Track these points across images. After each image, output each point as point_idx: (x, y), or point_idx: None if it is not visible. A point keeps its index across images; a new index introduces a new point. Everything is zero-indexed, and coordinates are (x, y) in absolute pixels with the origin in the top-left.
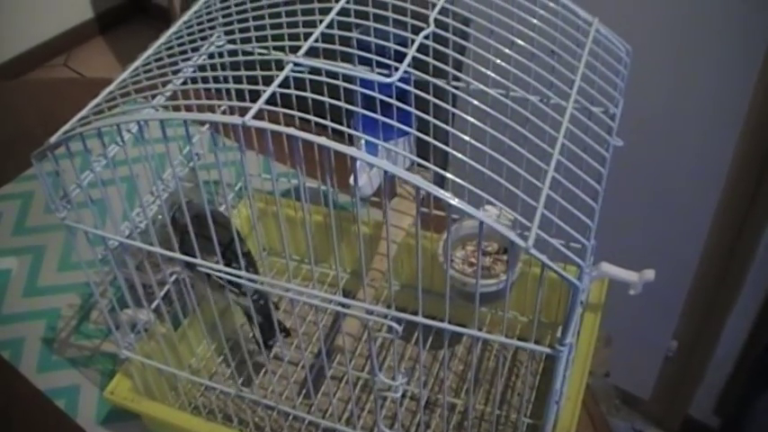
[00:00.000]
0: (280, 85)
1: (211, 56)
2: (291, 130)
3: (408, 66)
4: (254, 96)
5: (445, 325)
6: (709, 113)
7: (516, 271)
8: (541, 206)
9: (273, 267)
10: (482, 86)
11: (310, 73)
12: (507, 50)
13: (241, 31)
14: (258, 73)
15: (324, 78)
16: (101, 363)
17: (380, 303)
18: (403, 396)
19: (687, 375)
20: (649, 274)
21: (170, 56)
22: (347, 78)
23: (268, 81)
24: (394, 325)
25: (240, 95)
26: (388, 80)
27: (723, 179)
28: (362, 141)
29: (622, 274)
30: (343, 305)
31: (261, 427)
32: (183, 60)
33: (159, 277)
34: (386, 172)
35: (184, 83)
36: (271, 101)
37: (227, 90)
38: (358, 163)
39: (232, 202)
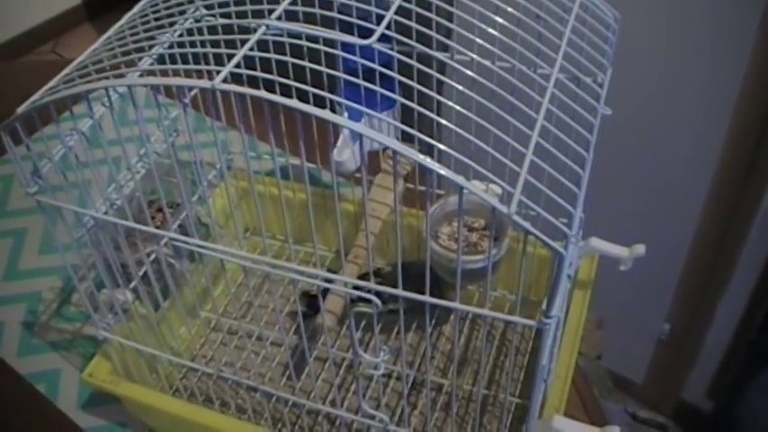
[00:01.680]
0: (256, 51)
1: (190, 31)
2: (260, 93)
3: (389, 29)
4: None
5: (426, 298)
6: (703, 89)
7: (503, 246)
8: (525, 171)
9: (257, 247)
10: (468, 52)
11: (289, 37)
12: (493, 16)
13: (220, 5)
14: (235, 37)
15: (303, 42)
16: (82, 346)
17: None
18: (389, 376)
19: (680, 359)
20: (639, 248)
21: (146, 29)
22: (328, 44)
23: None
24: (374, 299)
25: (219, 63)
26: (366, 42)
27: (716, 160)
28: (345, 113)
29: (612, 249)
30: (327, 281)
31: (243, 408)
32: (160, 32)
33: (137, 256)
34: (361, 137)
35: (161, 55)
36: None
37: (206, 57)
38: (341, 138)
39: (215, 182)
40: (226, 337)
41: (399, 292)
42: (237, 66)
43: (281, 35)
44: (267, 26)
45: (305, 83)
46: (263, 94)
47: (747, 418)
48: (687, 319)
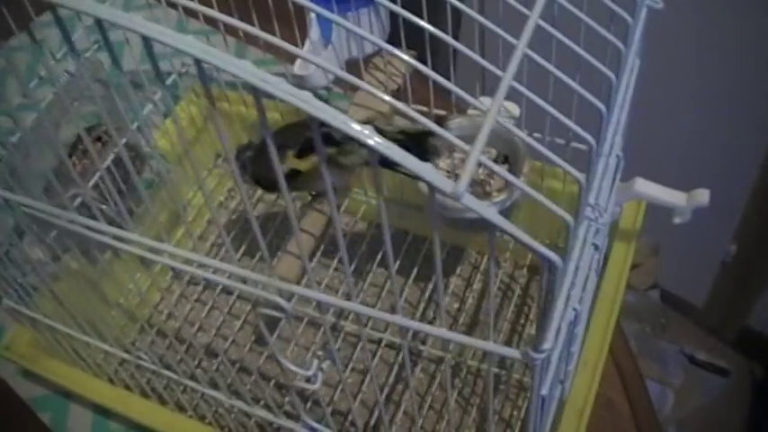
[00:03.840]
0: None
1: None
2: None
3: None
4: None
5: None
6: None
7: (516, 189)
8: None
9: (224, 184)
10: None
11: None
12: None
13: None
14: None
15: None
16: None
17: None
18: (378, 343)
19: (747, 282)
20: (702, 195)
21: None
22: None
23: None
24: (281, 302)
25: None
26: None
27: None
28: (312, 15)
29: (664, 194)
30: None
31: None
32: None
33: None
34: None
35: None
36: None
37: None
38: (306, 43)
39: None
40: (187, 290)
41: (318, 294)
42: None
43: None
44: None
45: None
46: None
47: None
48: (756, 239)
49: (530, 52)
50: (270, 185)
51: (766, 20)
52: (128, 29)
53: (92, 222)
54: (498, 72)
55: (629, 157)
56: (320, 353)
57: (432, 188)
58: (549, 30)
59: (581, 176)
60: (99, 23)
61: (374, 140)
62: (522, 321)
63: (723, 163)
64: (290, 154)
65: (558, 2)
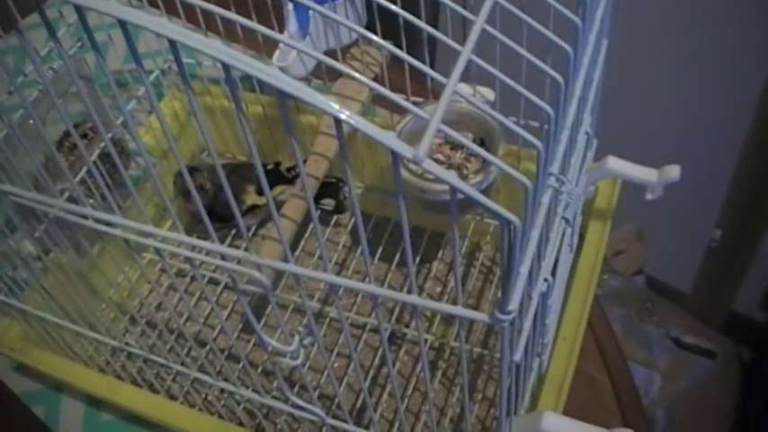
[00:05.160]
0: None
1: None
2: None
3: None
4: None
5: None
6: None
7: (493, 171)
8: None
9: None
10: None
11: None
12: None
13: None
14: None
15: None
16: None
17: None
18: (362, 328)
19: (731, 267)
20: (672, 171)
21: None
22: None
23: None
24: (259, 276)
25: None
26: None
27: None
28: (290, 7)
29: (635, 171)
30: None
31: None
32: None
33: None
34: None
35: None
36: None
37: None
38: (284, 34)
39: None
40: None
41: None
42: None
43: None
44: None
45: None
46: None
47: None
48: (740, 224)
49: (489, 28)
50: (225, 219)
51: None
52: (153, 31)
53: (80, 209)
54: (458, 47)
55: (608, 142)
56: (301, 329)
57: (394, 155)
58: (508, 6)
59: (539, 143)
60: (83, 21)
61: (344, 114)
62: None
63: (706, 148)
64: (251, 190)
65: None
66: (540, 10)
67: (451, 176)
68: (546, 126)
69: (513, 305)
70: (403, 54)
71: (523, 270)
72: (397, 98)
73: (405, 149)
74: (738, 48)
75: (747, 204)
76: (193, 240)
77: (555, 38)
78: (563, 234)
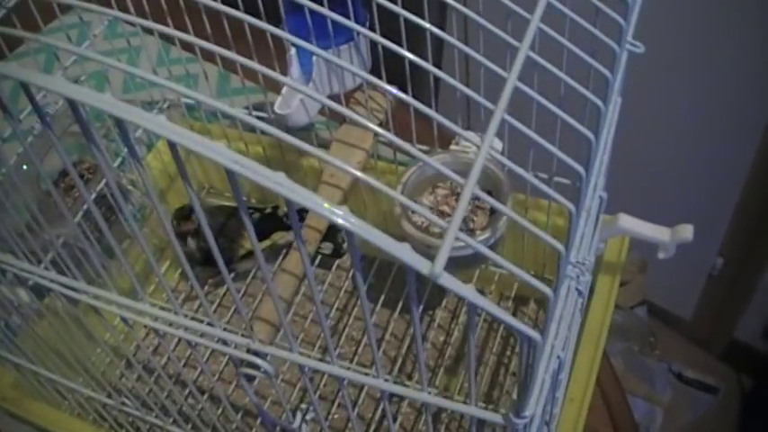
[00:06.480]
0: None
1: None
2: None
3: None
4: None
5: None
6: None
7: (501, 226)
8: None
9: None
10: None
11: None
12: None
13: None
14: None
15: None
16: None
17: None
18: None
19: (733, 295)
20: (686, 231)
21: None
22: None
23: None
24: (260, 362)
25: None
26: None
27: None
28: (292, 51)
29: (648, 230)
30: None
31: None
32: None
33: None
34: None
35: None
36: None
37: None
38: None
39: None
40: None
41: (295, 357)
42: None
43: None
44: None
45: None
46: None
47: None
48: (742, 252)
49: (520, 85)
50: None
51: (742, 37)
52: (151, 130)
53: (69, 281)
54: (490, 105)
55: (611, 176)
56: (303, 405)
57: (409, 269)
58: (539, 61)
59: (570, 205)
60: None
61: (349, 222)
62: (509, 354)
63: (708, 178)
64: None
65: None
66: (557, 61)
67: (485, 250)
68: (577, 184)
69: (529, 411)
70: (411, 99)
71: (540, 374)
72: (411, 148)
73: (421, 264)
74: (740, 80)
75: (750, 232)
76: (191, 323)
77: (590, 95)
78: (574, 307)
